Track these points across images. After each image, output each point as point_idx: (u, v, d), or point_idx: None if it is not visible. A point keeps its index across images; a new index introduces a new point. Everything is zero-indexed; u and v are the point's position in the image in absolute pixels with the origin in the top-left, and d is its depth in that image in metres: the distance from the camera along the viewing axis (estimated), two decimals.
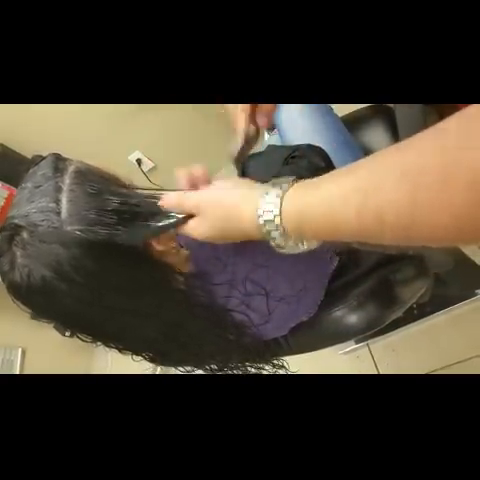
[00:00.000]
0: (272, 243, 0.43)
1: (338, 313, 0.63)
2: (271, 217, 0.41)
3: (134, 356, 0.58)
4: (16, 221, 0.45)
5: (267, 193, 0.41)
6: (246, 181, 0.48)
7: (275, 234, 0.41)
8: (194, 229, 0.48)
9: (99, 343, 0.54)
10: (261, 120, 0.59)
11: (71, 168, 0.48)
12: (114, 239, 0.45)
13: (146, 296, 0.50)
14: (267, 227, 0.41)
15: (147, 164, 1.89)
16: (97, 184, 0.46)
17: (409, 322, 1.27)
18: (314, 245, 0.44)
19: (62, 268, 0.44)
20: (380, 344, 1.37)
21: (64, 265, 0.44)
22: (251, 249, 0.60)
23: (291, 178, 0.42)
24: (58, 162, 0.48)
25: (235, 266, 0.60)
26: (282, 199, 0.40)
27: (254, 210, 0.42)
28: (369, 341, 1.37)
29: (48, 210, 0.44)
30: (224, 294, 0.58)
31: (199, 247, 0.60)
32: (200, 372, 0.65)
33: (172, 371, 0.65)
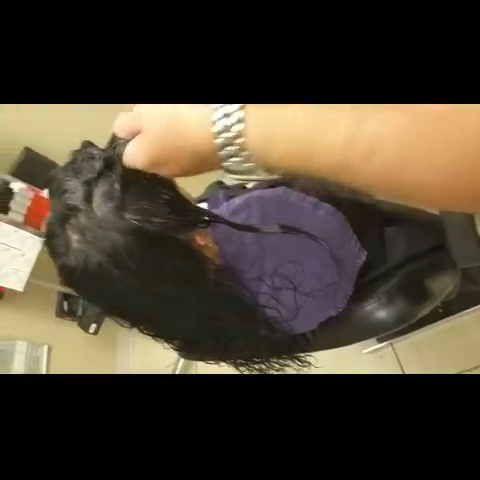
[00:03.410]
0: (225, 164, 0.35)
1: (368, 308, 0.63)
2: (231, 134, 0.33)
3: (164, 344, 0.60)
4: (76, 203, 0.45)
5: (220, 107, 0.33)
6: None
7: (231, 152, 0.34)
8: (134, 155, 0.40)
9: (134, 328, 0.55)
10: None
11: None
12: (165, 230, 0.47)
13: (188, 286, 0.51)
14: (225, 149, 0.34)
15: None
16: (151, 176, 0.47)
17: (434, 321, 1.25)
18: (277, 173, 0.37)
19: (117, 254, 0.45)
20: (404, 343, 1.35)
21: (120, 252, 0.45)
22: (278, 244, 0.60)
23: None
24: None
25: (263, 261, 0.60)
26: (245, 113, 0.32)
27: (206, 122, 0.34)
28: (393, 340, 1.35)
29: (108, 197, 0.45)
30: (254, 289, 0.59)
31: (227, 242, 0.60)
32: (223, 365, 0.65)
33: (193, 368, 0.65)
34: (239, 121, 0.32)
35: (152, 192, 0.47)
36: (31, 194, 1.83)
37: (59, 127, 1.88)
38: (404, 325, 0.65)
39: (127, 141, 0.41)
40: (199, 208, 0.56)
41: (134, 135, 0.40)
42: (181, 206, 0.50)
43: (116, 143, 0.44)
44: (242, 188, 0.85)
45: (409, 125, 0.26)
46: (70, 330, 2.26)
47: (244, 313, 0.57)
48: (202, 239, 0.53)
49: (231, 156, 0.34)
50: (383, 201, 0.79)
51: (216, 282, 0.54)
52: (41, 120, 1.81)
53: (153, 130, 0.38)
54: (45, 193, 1.81)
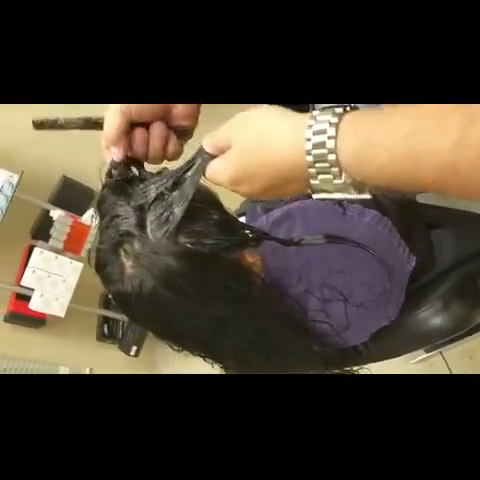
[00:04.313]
0: (314, 182, 0.35)
1: (421, 315, 0.61)
2: (323, 151, 0.32)
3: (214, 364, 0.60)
4: (129, 229, 0.45)
5: (315, 118, 0.33)
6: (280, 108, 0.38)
7: (321, 169, 0.33)
8: (216, 171, 0.42)
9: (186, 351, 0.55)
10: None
11: None
12: (217, 251, 0.47)
13: (241, 304, 0.51)
14: (316, 165, 0.33)
15: None
16: (200, 197, 0.47)
17: None
18: (367, 191, 0.35)
19: (172, 278, 0.45)
20: (455, 351, 1.29)
21: (175, 275, 0.45)
22: (325, 254, 0.59)
23: (345, 105, 0.34)
24: None
25: (310, 272, 0.59)
26: (338, 129, 0.32)
27: (296, 135, 0.34)
28: (442, 349, 1.30)
29: (161, 221, 0.45)
30: (303, 303, 0.58)
31: (272, 256, 0.60)
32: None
33: None
34: (333, 137, 0.32)
35: (202, 213, 0.47)
36: (70, 221, 1.89)
37: (95, 155, 1.93)
38: (461, 331, 0.62)
39: (211, 157, 0.43)
40: (248, 226, 0.56)
41: (221, 151, 0.41)
42: (231, 225, 0.50)
43: (192, 164, 0.45)
44: (280, 199, 0.84)
45: None
46: (111, 353, 2.29)
47: (295, 328, 0.56)
48: (251, 256, 0.53)
49: (321, 173, 0.34)
50: (427, 204, 0.77)
51: (266, 298, 0.53)
52: (77, 149, 1.87)
53: (239, 146, 0.39)
54: (84, 219, 1.86)
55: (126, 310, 0.51)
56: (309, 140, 0.33)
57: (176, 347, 0.54)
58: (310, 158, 0.33)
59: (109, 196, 0.48)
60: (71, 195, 1.97)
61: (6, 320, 2.03)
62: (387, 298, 0.58)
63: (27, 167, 1.84)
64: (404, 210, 0.68)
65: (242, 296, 0.50)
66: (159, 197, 0.45)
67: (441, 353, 1.31)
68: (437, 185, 0.30)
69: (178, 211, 0.44)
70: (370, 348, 0.63)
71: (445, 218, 0.74)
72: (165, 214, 0.45)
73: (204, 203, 0.48)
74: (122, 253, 0.46)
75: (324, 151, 0.32)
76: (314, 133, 0.33)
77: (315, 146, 0.33)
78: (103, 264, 0.48)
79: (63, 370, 2.15)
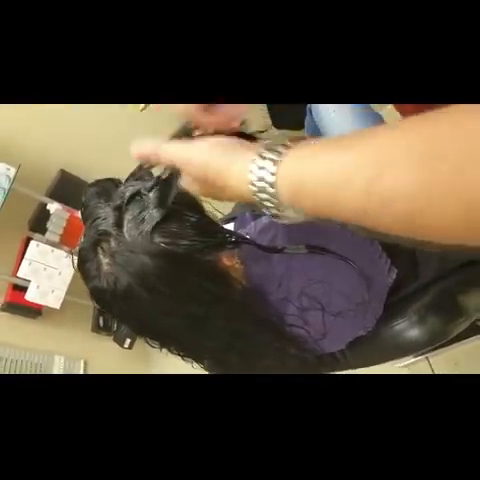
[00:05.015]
0: (261, 206, 0.40)
1: (398, 327, 0.62)
2: (264, 186, 0.37)
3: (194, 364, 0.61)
4: (107, 228, 0.48)
5: (261, 156, 0.38)
6: (233, 141, 0.43)
7: (268, 204, 0.38)
8: (188, 186, 0.47)
9: (164, 349, 0.57)
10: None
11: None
12: (192, 252, 0.48)
13: (216, 306, 0.52)
14: (260, 196, 0.38)
15: None
16: (179, 199, 0.49)
17: (473, 335, 1.20)
18: (311, 219, 0.40)
19: (146, 277, 0.47)
20: (441, 357, 1.31)
21: (149, 275, 0.47)
22: (305, 264, 0.60)
23: (286, 139, 0.38)
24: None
25: (290, 281, 0.60)
26: (277, 167, 0.37)
27: (244, 175, 0.39)
28: (429, 354, 1.31)
29: (138, 221, 0.47)
30: (281, 309, 0.59)
31: (253, 262, 0.61)
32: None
33: None
34: (272, 174, 0.37)
35: (179, 215, 0.49)
36: (67, 214, 1.90)
37: (92, 149, 1.94)
38: (436, 344, 0.63)
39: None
40: (225, 229, 0.57)
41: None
42: (207, 228, 0.52)
43: (173, 171, 0.47)
44: None
45: (418, 186, 0.28)
46: (105, 345, 2.31)
47: (272, 333, 0.58)
48: (229, 260, 0.54)
49: (265, 200, 0.38)
50: None
51: (243, 302, 0.55)
52: (75, 143, 1.88)
53: (197, 178, 0.44)
54: (80, 213, 1.87)
55: (103, 306, 0.53)
56: (251, 172, 0.38)
57: (155, 345, 0.56)
58: (254, 188, 0.38)
59: (91, 200, 0.50)
60: (68, 189, 1.97)
61: (3, 309, 2.06)
62: (365, 309, 0.59)
63: (25, 160, 1.84)
64: None
65: (217, 298, 0.52)
66: (136, 198, 0.48)
67: (427, 359, 1.32)
68: (356, 222, 0.34)
69: (155, 212, 0.46)
70: (347, 356, 0.64)
71: None
72: (142, 214, 0.47)
73: (182, 205, 0.49)
74: (100, 251, 0.49)
75: (265, 184, 0.37)
76: (260, 167, 0.37)
77: (258, 179, 0.38)
78: (83, 261, 0.51)
79: (58, 359, 2.18)
